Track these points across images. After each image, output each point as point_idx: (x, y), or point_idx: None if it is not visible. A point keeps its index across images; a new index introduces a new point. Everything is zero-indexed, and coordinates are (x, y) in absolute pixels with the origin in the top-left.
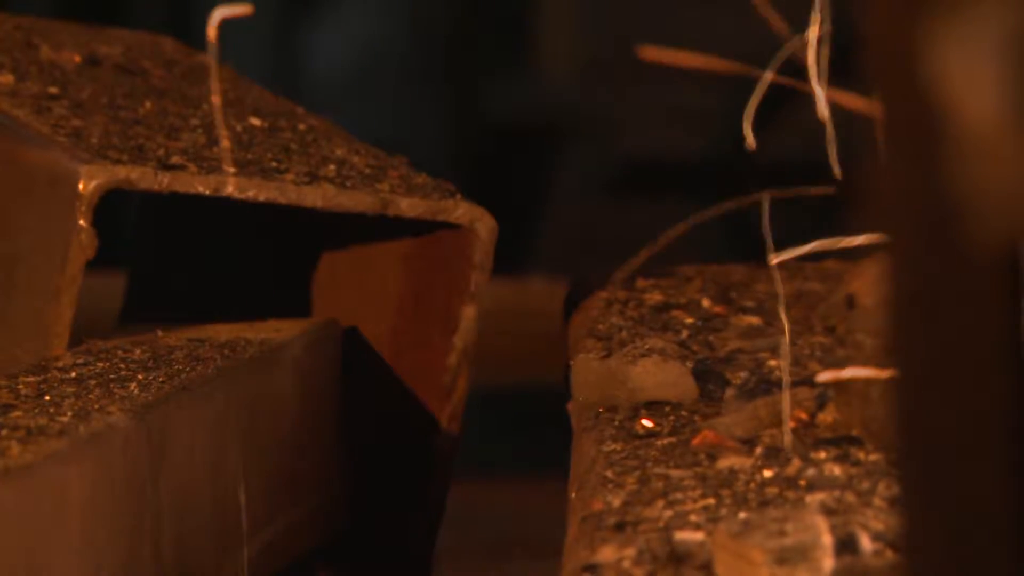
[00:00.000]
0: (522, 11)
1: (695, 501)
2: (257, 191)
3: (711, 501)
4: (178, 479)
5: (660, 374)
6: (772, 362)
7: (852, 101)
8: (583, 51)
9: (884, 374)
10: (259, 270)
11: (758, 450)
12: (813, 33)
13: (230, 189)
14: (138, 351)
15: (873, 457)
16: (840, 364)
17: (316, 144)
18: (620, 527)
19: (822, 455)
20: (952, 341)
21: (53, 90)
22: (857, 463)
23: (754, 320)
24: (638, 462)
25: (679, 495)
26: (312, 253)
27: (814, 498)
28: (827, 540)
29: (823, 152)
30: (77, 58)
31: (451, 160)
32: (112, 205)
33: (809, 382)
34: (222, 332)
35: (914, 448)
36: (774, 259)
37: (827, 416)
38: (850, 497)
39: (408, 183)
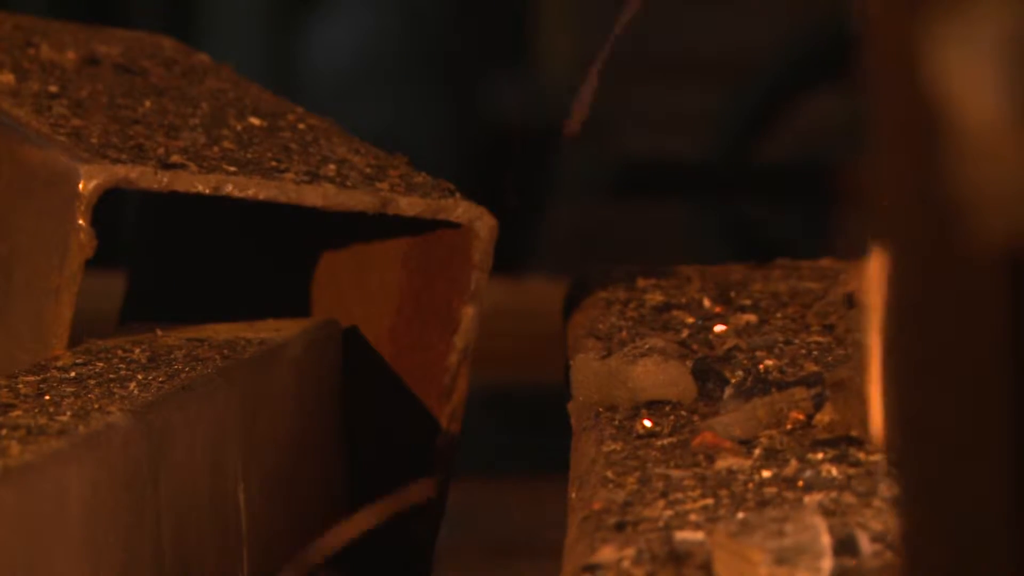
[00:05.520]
0: (522, 10)
1: (694, 501)
2: (257, 190)
3: (710, 501)
4: (178, 479)
5: (660, 374)
6: (769, 361)
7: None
8: (583, 51)
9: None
10: (259, 270)
11: (756, 451)
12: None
13: (230, 188)
14: (138, 351)
15: (872, 457)
16: (838, 363)
17: (316, 143)
18: (620, 527)
19: (820, 456)
20: (952, 341)
21: (53, 89)
22: (856, 463)
23: (751, 318)
24: (638, 462)
25: (679, 495)
26: (312, 253)
27: (812, 499)
28: (826, 540)
29: (821, 153)
30: (77, 57)
31: (451, 159)
32: (111, 205)
33: (806, 382)
34: (222, 332)
35: (914, 448)
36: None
37: (825, 416)
38: (848, 498)
39: (408, 182)
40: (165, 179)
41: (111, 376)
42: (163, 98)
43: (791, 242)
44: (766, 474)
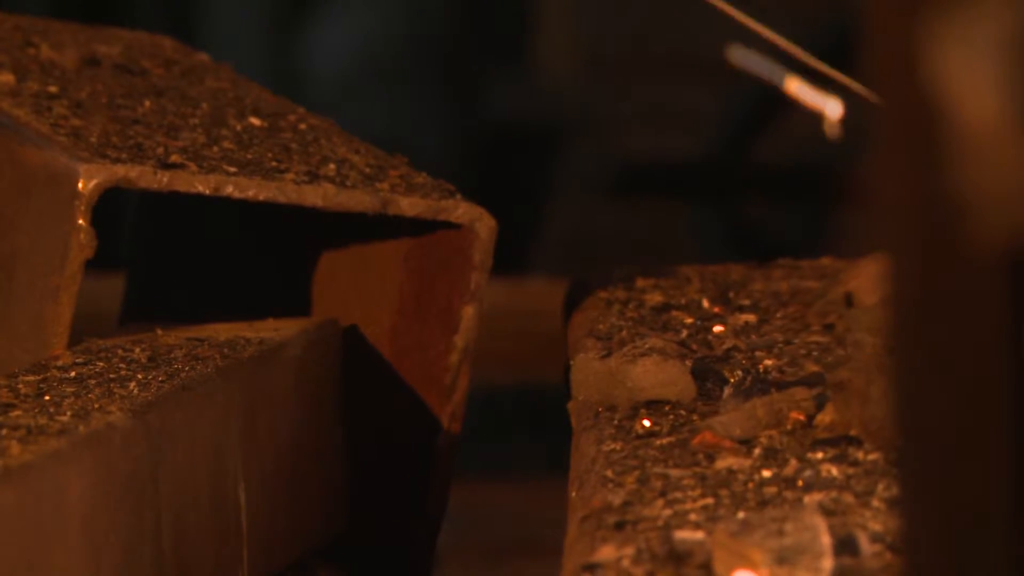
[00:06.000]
0: (522, 10)
1: (694, 500)
2: (257, 191)
3: (710, 501)
4: (178, 479)
5: (660, 374)
6: (768, 361)
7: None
8: (583, 50)
9: None
10: (258, 270)
11: (756, 450)
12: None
13: (230, 188)
14: (138, 351)
15: (872, 457)
16: (839, 363)
17: (316, 144)
18: (620, 526)
19: (820, 455)
20: (952, 341)
21: (53, 89)
22: (855, 463)
23: (751, 318)
24: (638, 461)
25: (678, 494)
26: (312, 253)
27: (812, 499)
28: (826, 540)
29: (821, 153)
30: (77, 57)
31: (451, 160)
32: (110, 205)
33: (806, 382)
34: (222, 332)
35: (914, 448)
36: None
37: (825, 416)
38: (848, 498)
39: (408, 182)
40: (165, 179)
41: (111, 376)
42: (163, 98)
43: (791, 242)
44: (766, 474)
